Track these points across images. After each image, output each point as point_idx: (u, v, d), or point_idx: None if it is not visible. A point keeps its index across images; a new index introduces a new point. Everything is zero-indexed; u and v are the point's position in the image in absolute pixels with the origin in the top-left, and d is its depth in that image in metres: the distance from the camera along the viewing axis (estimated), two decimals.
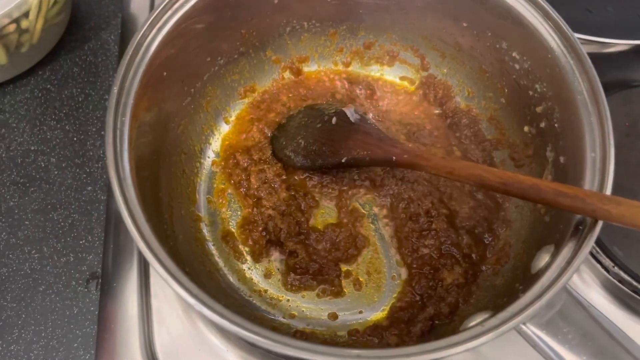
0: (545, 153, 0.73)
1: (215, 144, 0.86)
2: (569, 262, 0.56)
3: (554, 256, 0.58)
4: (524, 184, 0.60)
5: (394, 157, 0.72)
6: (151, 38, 0.67)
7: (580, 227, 0.58)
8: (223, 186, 0.83)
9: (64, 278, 0.79)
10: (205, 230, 0.80)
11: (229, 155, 0.85)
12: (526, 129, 0.78)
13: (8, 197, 0.84)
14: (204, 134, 0.85)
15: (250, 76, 0.89)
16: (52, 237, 0.82)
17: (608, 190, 0.59)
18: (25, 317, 0.76)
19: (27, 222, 0.82)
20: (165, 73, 0.71)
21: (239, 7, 0.78)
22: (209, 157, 0.85)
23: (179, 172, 0.80)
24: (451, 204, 0.80)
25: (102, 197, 0.84)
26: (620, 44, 0.97)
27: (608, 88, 0.92)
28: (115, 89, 0.62)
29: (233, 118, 0.88)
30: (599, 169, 0.61)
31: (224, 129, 0.88)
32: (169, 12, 0.69)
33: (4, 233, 0.81)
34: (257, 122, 0.87)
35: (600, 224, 0.57)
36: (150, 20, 0.67)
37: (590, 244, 0.56)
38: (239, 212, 0.82)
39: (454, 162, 0.69)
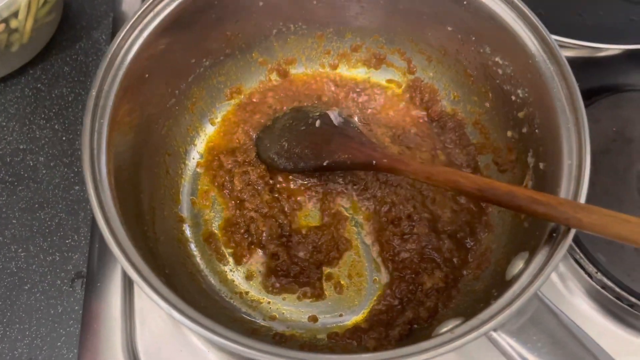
0: (526, 158, 0.73)
1: (201, 145, 0.86)
2: (540, 270, 0.56)
3: (527, 263, 0.58)
4: (499, 191, 0.60)
5: (374, 161, 0.72)
6: (132, 40, 0.67)
7: (554, 235, 0.58)
8: (207, 187, 0.83)
9: (49, 277, 0.80)
10: (188, 232, 0.80)
11: (213, 156, 0.85)
12: (509, 134, 0.78)
13: None
14: (189, 135, 0.85)
15: (237, 78, 0.89)
16: (39, 235, 0.82)
17: (582, 198, 0.59)
18: (10, 315, 0.77)
19: (14, 221, 0.83)
20: (147, 75, 0.71)
21: (224, 9, 0.77)
22: (193, 159, 0.85)
23: (162, 173, 0.80)
24: (434, 208, 0.80)
25: None
26: (612, 49, 0.96)
27: (598, 93, 0.92)
28: (93, 92, 0.63)
29: (219, 119, 0.88)
30: (575, 176, 0.61)
31: (210, 130, 0.88)
32: (151, 14, 0.69)
33: None
34: (243, 124, 0.86)
35: (573, 231, 0.57)
36: (131, 22, 0.67)
37: (562, 251, 0.56)
38: (222, 214, 0.82)
39: (432, 168, 0.69)
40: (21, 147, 0.89)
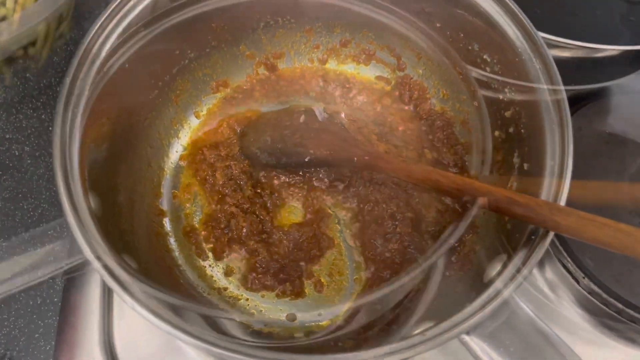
0: (512, 159, 0.71)
1: (185, 138, 0.85)
2: (516, 273, 0.54)
3: (504, 266, 0.57)
4: (479, 191, 0.59)
5: (355, 158, 0.71)
6: (110, 29, 0.66)
7: (533, 237, 0.57)
8: (190, 181, 0.82)
9: None
10: (167, 225, 0.79)
11: (197, 150, 0.83)
12: (497, 133, 0.76)
13: None
14: (173, 127, 0.84)
15: (223, 71, 0.87)
16: (21, 226, 0.82)
17: (562, 201, 0.58)
18: None
19: None
20: (127, 65, 0.70)
21: None
22: (177, 152, 0.84)
23: (144, 165, 0.79)
24: (418, 208, 0.78)
25: None
26: (609, 49, 0.94)
27: (594, 94, 0.90)
28: (67, 80, 0.61)
29: (204, 112, 0.87)
30: (557, 178, 0.59)
31: (195, 123, 0.86)
32: (131, 2, 0.68)
33: None
34: (228, 118, 0.85)
35: (551, 234, 0.55)
36: (110, 10, 0.66)
37: (539, 254, 0.55)
38: (203, 209, 0.81)
39: (412, 166, 0.68)
40: (7, 136, 0.88)
